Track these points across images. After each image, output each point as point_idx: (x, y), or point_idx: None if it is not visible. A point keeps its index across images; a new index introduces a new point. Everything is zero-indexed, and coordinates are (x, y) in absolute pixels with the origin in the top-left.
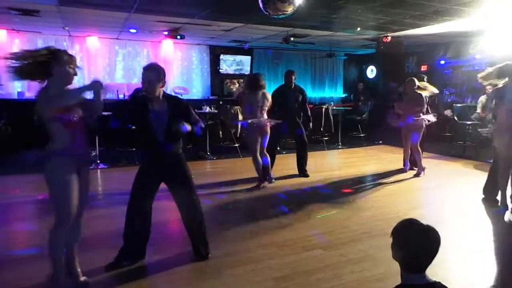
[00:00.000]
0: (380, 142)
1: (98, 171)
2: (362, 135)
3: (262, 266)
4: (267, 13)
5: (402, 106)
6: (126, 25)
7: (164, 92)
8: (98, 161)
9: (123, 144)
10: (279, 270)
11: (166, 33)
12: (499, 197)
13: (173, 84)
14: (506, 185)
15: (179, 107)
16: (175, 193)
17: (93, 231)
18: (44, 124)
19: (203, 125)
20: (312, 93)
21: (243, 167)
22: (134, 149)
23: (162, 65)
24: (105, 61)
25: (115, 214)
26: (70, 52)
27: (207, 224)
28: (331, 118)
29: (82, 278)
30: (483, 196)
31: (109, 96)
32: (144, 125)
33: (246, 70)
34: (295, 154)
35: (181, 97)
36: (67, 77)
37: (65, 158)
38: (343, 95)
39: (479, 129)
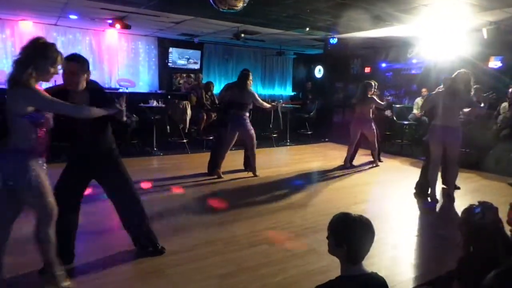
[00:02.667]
0: (326, 139)
1: None
2: (309, 132)
3: (207, 264)
4: (216, 7)
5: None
6: (65, 10)
7: (87, 83)
8: None
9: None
10: (224, 267)
11: (110, 21)
12: (429, 192)
13: (118, 76)
14: (436, 180)
15: (102, 99)
16: (109, 189)
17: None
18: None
19: (132, 119)
20: (262, 90)
21: (190, 163)
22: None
23: (106, 56)
24: None
25: None
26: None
27: (150, 221)
28: (280, 115)
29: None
30: (414, 191)
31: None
32: (63, 120)
33: (196, 64)
34: (242, 151)
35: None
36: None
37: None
38: (292, 93)
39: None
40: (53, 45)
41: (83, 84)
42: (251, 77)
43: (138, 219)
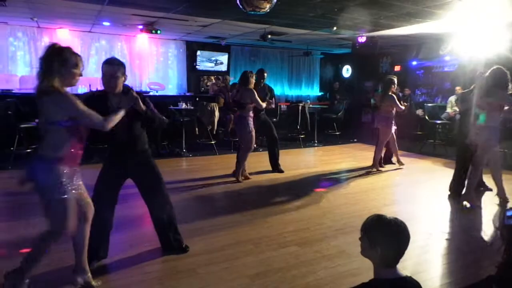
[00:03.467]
0: (355, 140)
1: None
2: (337, 133)
3: (237, 264)
4: (243, 9)
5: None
6: (99, 17)
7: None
8: None
9: (92, 140)
10: (255, 267)
11: (141, 27)
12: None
13: (148, 80)
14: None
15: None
16: (143, 189)
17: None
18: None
19: (163, 118)
20: (289, 91)
21: (219, 164)
22: (106, 145)
23: (137, 61)
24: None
25: None
26: (38, 44)
27: (181, 221)
28: (308, 116)
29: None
30: (449, 193)
31: (81, 90)
32: None
33: (223, 67)
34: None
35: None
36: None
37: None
38: (320, 94)
39: None
40: (69, 48)
41: (120, 87)
42: (253, 77)
43: (168, 218)
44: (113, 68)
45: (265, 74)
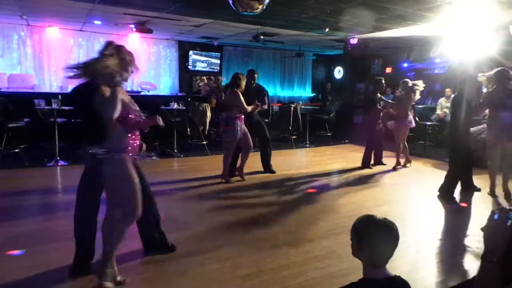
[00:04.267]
0: (346, 141)
1: (58, 168)
2: (329, 134)
3: (229, 265)
4: (236, 9)
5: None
6: (90, 16)
7: None
8: (58, 158)
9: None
10: (246, 268)
11: (133, 26)
12: (455, 195)
13: (139, 79)
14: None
15: None
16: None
17: (52, 231)
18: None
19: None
20: (281, 92)
21: (210, 165)
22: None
23: None
24: (67, 53)
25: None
26: (27, 42)
27: (171, 221)
28: (300, 117)
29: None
30: (438, 193)
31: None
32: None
33: (216, 67)
34: (259, 152)
35: None
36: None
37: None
38: (312, 95)
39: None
40: (123, 47)
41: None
42: (243, 79)
43: (154, 217)
44: None
45: (256, 75)
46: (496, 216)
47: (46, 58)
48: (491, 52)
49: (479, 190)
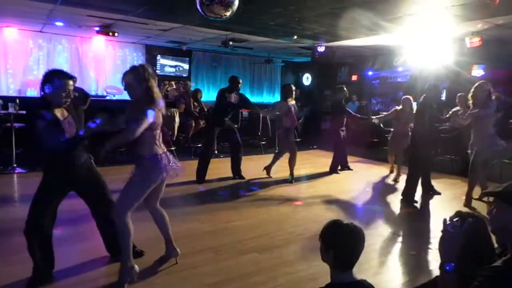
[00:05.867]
0: (315, 146)
1: (15, 176)
2: (298, 139)
3: (197, 272)
4: (204, 14)
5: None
6: (51, 17)
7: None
8: (15, 165)
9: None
10: (214, 276)
11: (97, 29)
12: (417, 198)
13: (105, 83)
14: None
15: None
16: (88, 196)
17: (11, 241)
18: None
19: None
20: (251, 98)
21: None
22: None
23: (93, 63)
24: (26, 55)
25: None
26: None
27: (136, 230)
28: (269, 123)
29: None
30: (401, 197)
31: (31, 93)
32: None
33: (184, 72)
34: (229, 158)
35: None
36: None
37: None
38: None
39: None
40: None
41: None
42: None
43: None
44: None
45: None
46: (449, 227)
47: (3, 60)
48: (449, 62)
49: (439, 193)
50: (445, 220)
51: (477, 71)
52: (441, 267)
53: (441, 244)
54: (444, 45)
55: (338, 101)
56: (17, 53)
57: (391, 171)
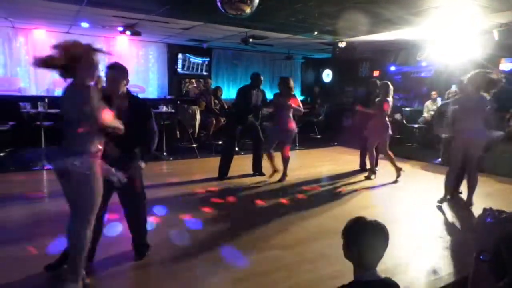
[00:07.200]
0: (335, 143)
1: (44, 172)
2: (318, 136)
3: (220, 267)
4: (225, 11)
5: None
6: (77, 18)
7: (127, 90)
8: (44, 162)
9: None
10: (237, 271)
11: (121, 29)
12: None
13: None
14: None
15: (140, 109)
16: (122, 194)
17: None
18: None
19: (154, 141)
20: (270, 95)
21: (200, 168)
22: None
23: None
24: None
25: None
26: (13, 45)
27: (161, 226)
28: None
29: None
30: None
31: (59, 93)
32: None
33: (205, 70)
34: (251, 155)
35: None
36: None
37: None
38: (301, 98)
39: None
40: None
41: (122, 90)
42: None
43: (138, 223)
44: (113, 72)
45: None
46: (488, 219)
47: (32, 61)
48: (476, 56)
49: (460, 193)
50: (485, 209)
51: (506, 65)
52: (476, 257)
53: (477, 232)
54: (471, 38)
55: (370, 96)
56: (46, 54)
57: None
